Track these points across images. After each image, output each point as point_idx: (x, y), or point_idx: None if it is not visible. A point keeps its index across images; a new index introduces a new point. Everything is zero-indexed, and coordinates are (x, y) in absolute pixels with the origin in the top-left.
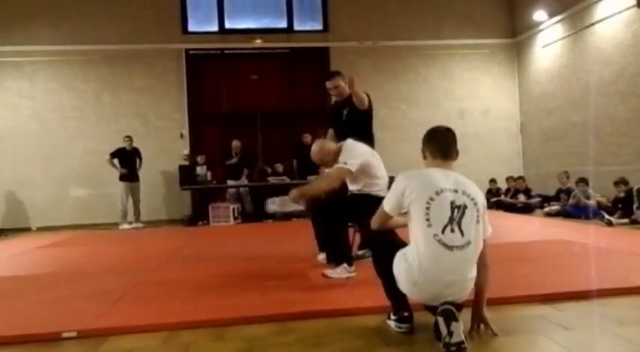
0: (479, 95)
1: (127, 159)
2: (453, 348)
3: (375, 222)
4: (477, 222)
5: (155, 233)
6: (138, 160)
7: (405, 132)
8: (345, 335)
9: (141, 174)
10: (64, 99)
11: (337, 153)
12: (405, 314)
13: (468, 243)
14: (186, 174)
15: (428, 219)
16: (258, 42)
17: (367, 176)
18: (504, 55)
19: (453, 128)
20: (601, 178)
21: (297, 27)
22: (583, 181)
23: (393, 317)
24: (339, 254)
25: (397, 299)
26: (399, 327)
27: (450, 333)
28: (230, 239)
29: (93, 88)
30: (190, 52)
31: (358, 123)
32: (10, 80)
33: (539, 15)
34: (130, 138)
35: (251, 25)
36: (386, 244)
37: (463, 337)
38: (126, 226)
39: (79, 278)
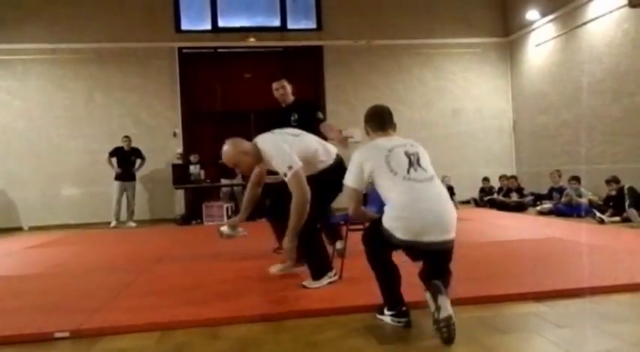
0: (472, 94)
1: (124, 159)
2: (442, 324)
3: (350, 207)
4: (430, 164)
5: (148, 232)
6: (138, 160)
7: (399, 131)
8: (339, 333)
9: (140, 173)
10: (56, 98)
11: (255, 154)
12: (403, 308)
13: (432, 177)
14: (180, 173)
15: (392, 170)
16: (252, 40)
17: (308, 160)
18: (497, 54)
19: (447, 127)
20: (593, 176)
21: (290, 25)
22: (575, 179)
23: (388, 312)
24: (319, 269)
25: (392, 294)
26: (398, 322)
27: (438, 308)
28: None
29: (85, 87)
30: (183, 50)
31: (308, 129)
32: (0, 79)
33: (532, 14)
34: (128, 138)
35: (244, 23)
36: (377, 239)
37: (451, 311)
38: (114, 224)
39: (71, 278)
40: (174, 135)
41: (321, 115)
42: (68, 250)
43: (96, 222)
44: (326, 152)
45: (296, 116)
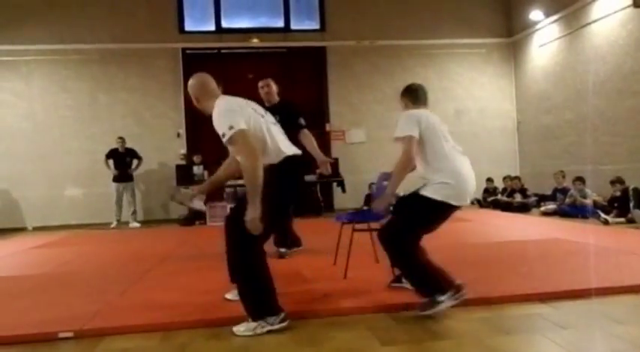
0: (475, 95)
1: (119, 160)
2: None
3: (405, 154)
4: None
5: (152, 232)
6: (135, 160)
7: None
8: (339, 334)
9: (137, 173)
10: (60, 98)
11: (214, 96)
12: (457, 282)
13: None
14: (183, 174)
15: (443, 136)
16: (255, 41)
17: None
18: (501, 55)
19: (451, 127)
20: (597, 177)
21: (293, 26)
22: (579, 180)
23: (443, 296)
24: (258, 307)
25: (443, 276)
26: (461, 296)
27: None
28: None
29: (88, 88)
30: (187, 51)
31: (288, 133)
32: (5, 80)
33: (536, 15)
34: (122, 139)
35: (248, 24)
36: (409, 231)
37: None
38: (114, 224)
39: (75, 279)
40: (178, 135)
41: (303, 122)
42: (72, 250)
43: (99, 222)
44: (276, 149)
45: (277, 117)
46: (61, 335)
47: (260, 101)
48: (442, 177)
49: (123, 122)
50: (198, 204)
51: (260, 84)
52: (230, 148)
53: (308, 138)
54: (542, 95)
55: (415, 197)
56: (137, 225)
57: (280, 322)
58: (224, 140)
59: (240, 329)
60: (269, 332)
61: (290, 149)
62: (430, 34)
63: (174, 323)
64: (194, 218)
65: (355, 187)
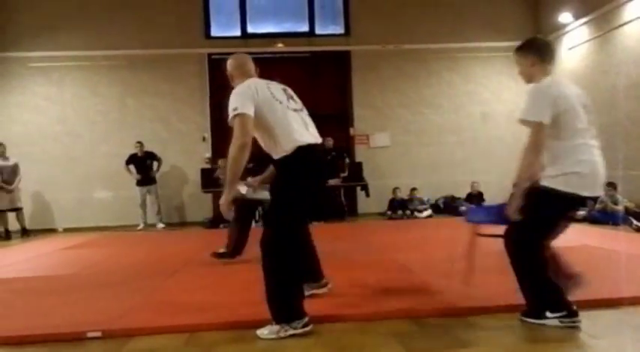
0: (503, 98)
1: (140, 165)
2: None
3: (535, 146)
4: None
5: (177, 235)
6: (155, 163)
7: (428, 136)
8: (367, 340)
9: (162, 176)
10: (90, 103)
11: (246, 77)
12: (573, 307)
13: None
14: (208, 177)
15: (582, 120)
16: (280, 46)
17: (269, 133)
18: None
19: (476, 131)
20: (629, 183)
21: (318, 31)
22: (611, 186)
23: (553, 314)
24: (281, 311)
25: (559, 293)
26: (572, 323)
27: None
28: (249, 242)
29: (117, 93)
30: (213, 56)
31: None
32: (38, 85)
33: (565, 17)
34: (140, 143)
35: (273, 29)
36: (535, 245)
37: None
38: (141, 226)
39: (103, 279)
40: (204, 139)
41: None
42: (100, 252)
43: (126, 224)
44: (288, 137)
45: None
46: (90, 334)
47: None
48: (571, 165)
49: (151, 126)
50: (250, 193)
51: None
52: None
53: None
54: None
55: (540, 192)
56: (162, 226)
57: (303, 326)
58: (228, 120)
59: (263, 332)
60: (292, 336)
61: (305, 138)
62: (456, 38)
63: (199, 325)
64: (219, 221)
65: (379, 192)
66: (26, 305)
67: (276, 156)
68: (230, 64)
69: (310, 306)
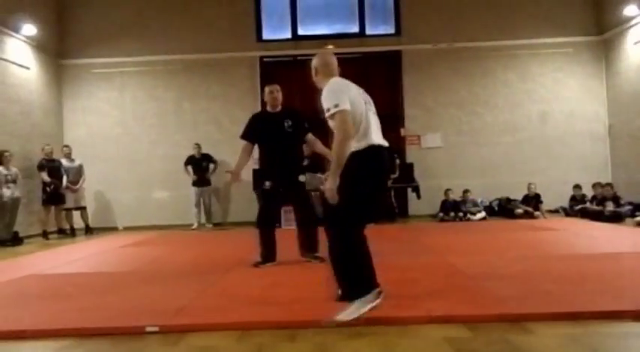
0: (562, 97)
1: (196, 166)
2: None
3: None
4: None
5: (229, 235)
6: (211, 165)
7: (481, 136)
8: (417, 344)
9: (215, 177)
10: (148, 107)
11: (324, 78)
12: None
13: None
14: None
15: None
16: (330, 47)
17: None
18: (590, 54)
19: (533, 131)
20: None
21: (369, 31)
22: None
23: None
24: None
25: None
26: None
27: None
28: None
29: (173, 96)
30: (264, 59)
31: (299, 139)
32: (101, 90)
33: (630, 10)
34: (198, 145)
35: (324, 31)
36: None
37: None
38: (195, 226)
39: (160, 276)
40: None
41: (307, 125)
42: (157, 250)
43: (182, 223)
44: (367, 135)
45: (290, 122)
46: (148, 329)
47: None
48: None
49: (205, 129)
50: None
51: (271, 89)
52: (330, 122)
53: (316, 142)
54: (637, 96)
55: None
56: (210, 226)
57: (376, 297)
58: (327, 114)
59: (342, 316)
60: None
61: (379, 139)
62: (511, 34)
63: (251, 323)
64: None
65: (430, 193)
66: (88, 300)
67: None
68: (317, 59)
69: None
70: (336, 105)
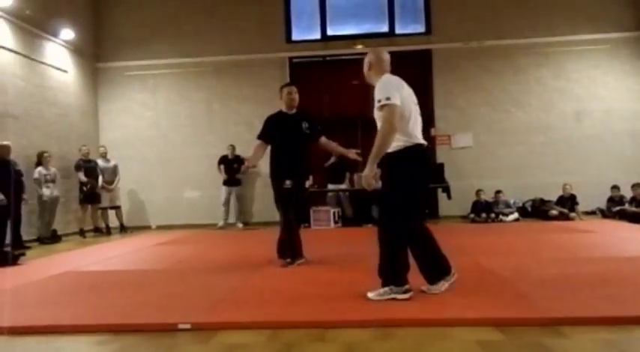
0: (598, 95)
1: (228, 166)
2: None
3: None
4: None
5: (259, 234)
6: (243, 167)
7: (514, 135)
8: (447, 346)
9: (247, 178)
10: (180, 108)
11: (375, 74)
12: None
13: None
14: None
15: None
16: (359, 47)
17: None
18: (628, 50)
19: (568, 130)
20: None
21: (398, 30)
22: None
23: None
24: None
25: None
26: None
27: None
28: (331, 242)
29: (204, 98)
30: (294, 60)
31: (314, 140)
32: (135, 92)
33: None
34: (232, 146)
35: (352, 31)
36: None
37: None
38: (221, 224)
39: (191, 274)
40: None
41: (320, 127)
42: (189, 248)
43: (212, 222)
44: (413, 133)
45: (306, 124)
46: (181, 326)
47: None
48: None
49: (235, 129)
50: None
51: (288, 89)
52: (377, 113)
53: (330, 142)
54: None
55: None
56: (241, 225)
57: (404, 292)
58: (377, 105)
59: (371, 294)
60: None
61: (422, 139)
62: (544, 31)
63: (282, 322)
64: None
65: (461, 194)
66: (123, 296)
67: (391, 149)
68: (371, 54)
69: (392, 309)
70: (388, 98)
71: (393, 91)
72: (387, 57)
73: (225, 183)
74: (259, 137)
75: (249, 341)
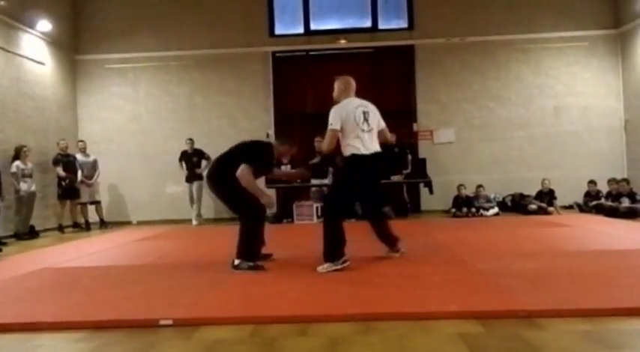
0: (576, 91)
1: (189, 161)
2: None
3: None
4: None
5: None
6: (203, 161)
7: (496, 131)
8: (429, 339)
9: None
10: (161, 102)
11: (337, 97)
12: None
13: None
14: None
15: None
16: (343, 42)
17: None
18: (606, 48)
19: (547, 126)
20: None
21: (381, 26)
22: None
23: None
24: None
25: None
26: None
27: None
28: (314, 237)
29: (186, 91)
30: (277, 54)
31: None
32: (115, 85)
33: None
34: (191, 140)
35: (336, 25)
36: None
37: None
38: (194, 223)
39: (173, 270)
40: (267, 136)
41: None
42: (170, 244)
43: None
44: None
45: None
46: (162, 322)
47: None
48: None
49: (218, 123)
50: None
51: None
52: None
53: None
54: None
55: None
56: (195, 222)
57: (342, 263)
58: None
59: (320, 269)
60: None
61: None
62: (525, 28)
63: (264, 317)
64: (282, 216)
65: (443, 189)
66: (103, 293)
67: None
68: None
69: (374, 303)
70: (331, 124)
71: (335, 120)
72: (351, 83)
73: (187, 179)
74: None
75: (232, 336)
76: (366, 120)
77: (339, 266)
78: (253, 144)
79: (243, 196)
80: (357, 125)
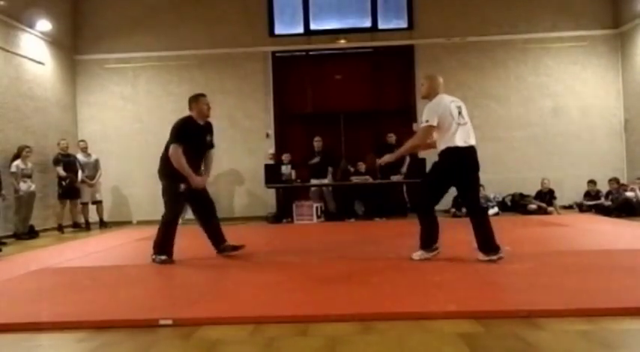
0: (576, 91)
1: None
2: None
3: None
4: None
5: (242, 229)
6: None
7: (495, 131)
8: (429, 339)
9: (229, 171)
10: (163, 102)
11: (428, 92)
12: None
13: None
14: (272, 173)
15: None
16: (342, 42)
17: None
18: (606, 47)
19: (546, 126)
20: None
21: (381, 26)
22: None
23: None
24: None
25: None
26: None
27: None
28: (314, 237)
29: (188, 91)
30: (276, 54)
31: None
32: (115, 85)
33: None
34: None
35: (335, 25)
36: None
37: None
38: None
39: (173, 270)
40: (267, 136)
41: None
42: None
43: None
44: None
45: (209, 137)
46: (162, 322)
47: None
48: None
49: (218, 123)
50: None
51: (207, 102)
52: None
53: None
54: None
55: None
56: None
57: (432, 251)
58: (419, 126)
59: (414, 256)
60: None
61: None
62: (524, 28)
63: (263, 317)
64: (282, 216)
65: None
66: (103, 292)
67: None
68: (426, 79)
69: (374, 303)
70: (427, 121)
71: (432, 116)
72: (438, 80)
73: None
74: None
75: (231, 336)
76: (460, 113)
77: (429, 255)
78: (174, 124)
79: (170, 196)
80: (454, 119)
